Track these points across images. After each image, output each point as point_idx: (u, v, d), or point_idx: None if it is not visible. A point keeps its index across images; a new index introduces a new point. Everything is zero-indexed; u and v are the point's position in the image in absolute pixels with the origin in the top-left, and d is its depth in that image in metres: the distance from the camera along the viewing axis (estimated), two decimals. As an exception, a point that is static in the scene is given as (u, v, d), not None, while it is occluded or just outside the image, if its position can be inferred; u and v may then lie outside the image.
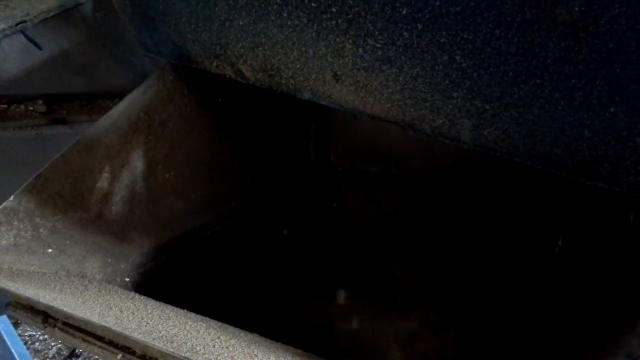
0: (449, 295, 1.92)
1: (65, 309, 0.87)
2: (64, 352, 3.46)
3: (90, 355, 3.43)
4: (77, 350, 3.46)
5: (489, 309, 1.82)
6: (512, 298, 1.78)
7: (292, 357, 0.86)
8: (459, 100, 0.91)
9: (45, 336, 3.52)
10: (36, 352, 3.46)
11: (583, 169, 0.87)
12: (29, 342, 3.52)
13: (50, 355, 3.45)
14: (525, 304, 1.72)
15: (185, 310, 1.00)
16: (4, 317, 2.89)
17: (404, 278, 2.03)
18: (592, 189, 0.92)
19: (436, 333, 1.81)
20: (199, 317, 0.98)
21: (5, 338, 2.83)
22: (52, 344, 3.49)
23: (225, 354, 0.80)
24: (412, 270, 2.05)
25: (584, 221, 1.59)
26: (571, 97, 0.82)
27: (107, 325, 0.84)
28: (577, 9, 0.73)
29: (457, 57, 0.87)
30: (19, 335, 3.22)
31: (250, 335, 0.94)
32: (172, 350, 0.78)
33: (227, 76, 1.17)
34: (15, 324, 3.46)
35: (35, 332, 3.56)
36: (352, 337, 1.85)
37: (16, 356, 2.85)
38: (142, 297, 1.02)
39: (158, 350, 0.83)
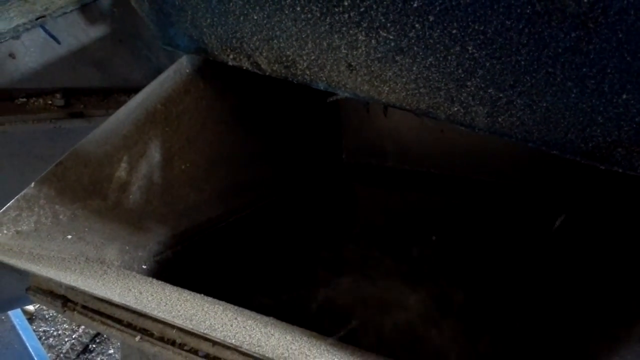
0: (465, 286, 1.92)
1: (85, 289, 0.89)
2: (78, 348, 3.50)
3: (104, 350, 3.47)
4: (90, 346, 3.50)
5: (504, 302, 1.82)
6: (525, 289, 1.79)
7: (308, 338, 0.88)
8: (472, 88, 0.92)
9: (59, 332, 3.56)
10: (50, 347, 3.50)
11: (597, 153, 0.88)
12: (43, 338, 3.56)
13: (64, 351, 3.49)
14: (534, 290, 1.72)
15: (202, 295, 1.02)
16: (19, 311, 2.94)
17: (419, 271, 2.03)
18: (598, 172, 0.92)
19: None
20: (215, 300, 0.99)
21: (21, 333, 2.88)
22: (66, 339, 3.53)
23: (243, 333, 0.81)
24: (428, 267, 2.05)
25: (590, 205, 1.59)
26: (583, 85, 0.83)
27: (127, 303, 0.86)
28: (585, 0, 0.74)
29: (469, 48, 0.88)
30: (34, 330, 3.26)
31: (266, 318, 0.95)
32: (191, 327, 0.80)
33: (244, 68, 1.19)
34: (30, 320, 3.51)
35: (50, 327, 3.60)
36: (361, 325, 1.85)
37: (31, 351, 2.89)
38: (160, 281, 1.04)
39: (177, 330, 0.85)
